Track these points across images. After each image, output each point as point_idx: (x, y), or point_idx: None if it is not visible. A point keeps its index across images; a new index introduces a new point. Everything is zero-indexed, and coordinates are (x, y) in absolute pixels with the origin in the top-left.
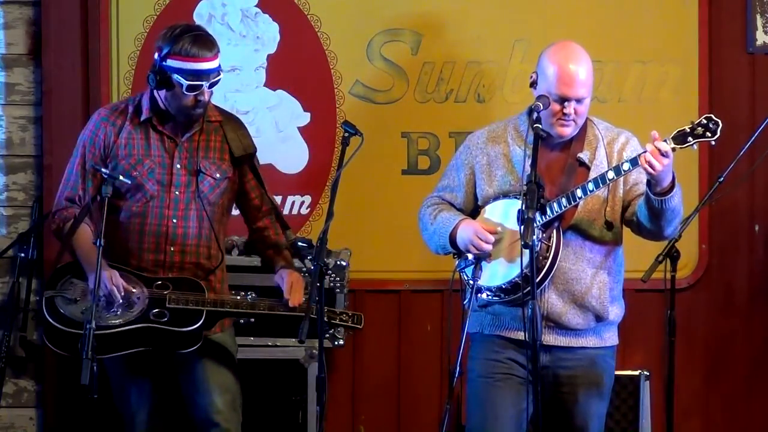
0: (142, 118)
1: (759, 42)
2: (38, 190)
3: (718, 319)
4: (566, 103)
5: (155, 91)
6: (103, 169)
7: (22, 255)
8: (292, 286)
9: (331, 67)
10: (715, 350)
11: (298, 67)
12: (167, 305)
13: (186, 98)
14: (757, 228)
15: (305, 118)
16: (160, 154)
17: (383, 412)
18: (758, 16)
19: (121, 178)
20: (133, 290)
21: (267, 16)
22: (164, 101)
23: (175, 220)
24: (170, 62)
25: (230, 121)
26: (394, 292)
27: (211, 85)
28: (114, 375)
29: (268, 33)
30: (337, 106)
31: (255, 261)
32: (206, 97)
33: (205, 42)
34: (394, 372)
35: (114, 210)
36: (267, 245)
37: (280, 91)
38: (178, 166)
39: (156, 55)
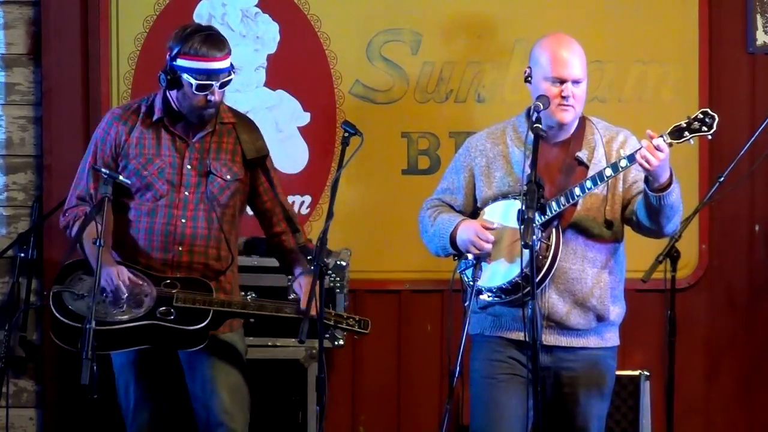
0: (154, 118)
1: (759, 42)
2: (38, 190)
3: (718, 319)
4: (564, 85)
5: (167, 91)
6: (103, 169)
7: (22, 255)
8: (310, 293)
9: (331, 67)
10: (715, 350)
11: (298, 67)
12: (174, 303)
13: (196, 98)
14: (757, 228)
15: (305, 118)
16: (171, 154)
17: (383, 412)
18: (758, 16)
19: (121, 177)
20: (142, 284)
21: (267, 16)
22: (176, 101)
23: (183, 220)
24: (180, 62)
25: (244, 122)
26: (394, 292)
27: (222, 86)
28: (120, 373)
29: (268, 33)
30: (337, 106)
31: (255, 261)
32: (217, 97)
33: (215, 42)
34: (394, 372)
35: (124, 208)
36: (284, 250)
37: (280, 91)
38: (189, 166)
39: (167, 55)
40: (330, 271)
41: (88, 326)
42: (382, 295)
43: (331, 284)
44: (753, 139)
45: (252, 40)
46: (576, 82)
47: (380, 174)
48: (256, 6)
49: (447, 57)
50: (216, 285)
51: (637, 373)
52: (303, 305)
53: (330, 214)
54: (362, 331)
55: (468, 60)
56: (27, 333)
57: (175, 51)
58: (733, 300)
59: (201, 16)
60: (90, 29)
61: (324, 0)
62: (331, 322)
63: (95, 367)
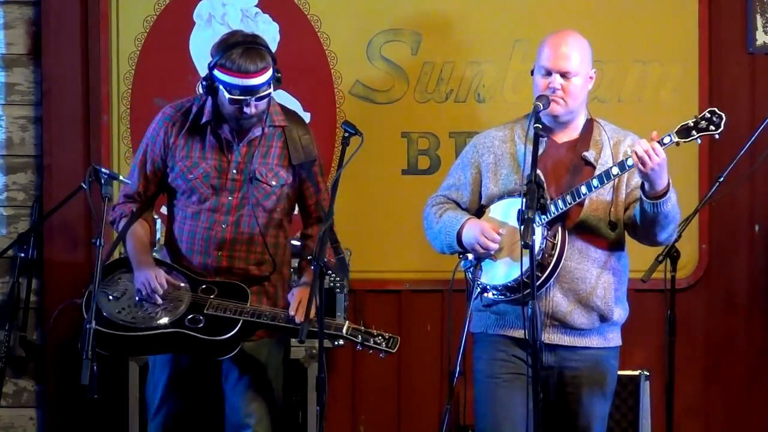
0: (202, 121)
1: (759, 42)
2: (38, 190)
3: (718, 319)
4: (552, 77)
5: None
6: (103, 169)
7: (22, 255)
8: (299, 302)
9: (331, 67)
10: (715, 350)
11: (298, 67)
12: (204, 311)
13: (231, 108)
14: (757, 228)
15: (305, 118)
16: (217, 158)
17: (383, 412)
18: (758, 16)
19: (121, 178)
20: (181, 285)
21: (267, 16)
22: (219, 107)
23: (224, 225)
24: (217, 72)
25: (295, 126)
26: (394, 292)
27: (259, 99)
28: (154, 368)
29: (268, 33)
30: (337, 106)
31: None
32: (253, 110)
33: (253, 57)
34: (394, 372)
35: (170, 211)
36: (305, 254)
37: (280, 91)
38: (234, 171)
39: (209, 62)
40: (329, 272)
41: (87, 326)
42: (382, 295)
43: (332, 284)
44: (753, 139)
45: None
46: (564, 74)
47: (380, 174)
48: (256, 6)
49: (447, 57)
50: (259, 289)
51: (637, 373)
52: (291, 311)
53: (330, 214)
54: (389, 350)
55: (468, 60)
56: (27, 333)
57: (214, 60)
58: (733, 300)
59: (201, 16)
60: (90, 29)
61: (324, 0)
62: (359, 339)
63: (95, 367)
